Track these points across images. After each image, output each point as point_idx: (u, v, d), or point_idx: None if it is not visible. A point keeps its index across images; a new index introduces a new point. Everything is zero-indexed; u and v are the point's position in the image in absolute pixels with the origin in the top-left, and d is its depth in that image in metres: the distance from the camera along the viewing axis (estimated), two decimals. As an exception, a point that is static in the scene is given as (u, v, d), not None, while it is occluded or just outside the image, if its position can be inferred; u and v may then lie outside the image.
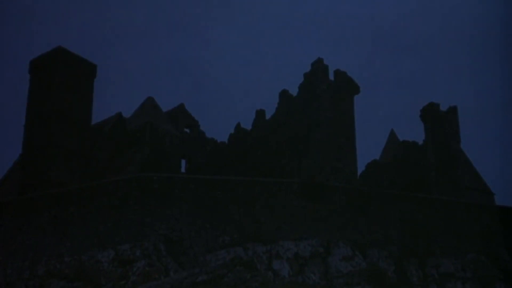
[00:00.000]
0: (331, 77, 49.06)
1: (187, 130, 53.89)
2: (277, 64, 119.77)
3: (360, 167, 49.37)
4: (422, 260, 42.02)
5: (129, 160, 48.02)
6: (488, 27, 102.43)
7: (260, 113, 51.04)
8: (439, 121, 51.16)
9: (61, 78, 47.86)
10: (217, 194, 40.40)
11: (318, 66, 48.72)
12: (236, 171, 48.39)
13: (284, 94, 50.14)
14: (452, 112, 51.87)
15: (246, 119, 52.45)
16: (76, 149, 46.93)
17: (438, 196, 46.63)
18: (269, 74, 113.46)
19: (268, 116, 50.75)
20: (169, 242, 38.94)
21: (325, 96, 47.89)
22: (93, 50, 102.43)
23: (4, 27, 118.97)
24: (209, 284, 36.50)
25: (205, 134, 52.76)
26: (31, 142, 47.01)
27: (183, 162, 50.94)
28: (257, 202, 40.62)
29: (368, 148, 56.40)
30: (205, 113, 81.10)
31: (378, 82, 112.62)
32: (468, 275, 42.12)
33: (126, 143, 48.99)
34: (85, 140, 47.65)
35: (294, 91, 49.91)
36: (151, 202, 39.69)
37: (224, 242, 39.34)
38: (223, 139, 52.12)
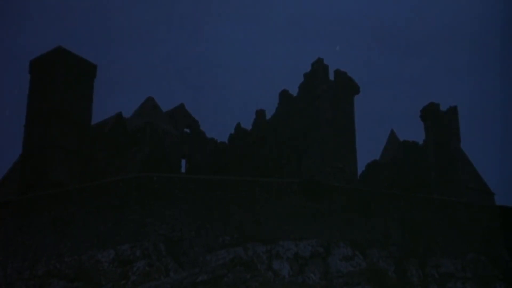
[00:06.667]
0: (331, 77, 49.11)
1: (187, 130, 53.90)
2: (277, 64, 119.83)
3: (360, 167, 49.43)
4: (422, 260, 41.99)
5: (129, 160, 48.01)
6: (488, 27, 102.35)
7: (260, 113, 51.06)
8: (439, 121, 51.18)
9: (61, 78, 47.85)
10: (217, 194, 40.39)
11: (318, 66, 48.78)
12: (236, 171, 48.38)
13: (284, 94, 50.18)
14: (452, 112, 51.88)
15: (246, 119, 52.48)
16: (76, 149, 46.91)
17: (438, 196, 46.59)
18: (269, 74, 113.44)
19: (268, 116, 50.78)
20: (169, 242, 38.93)
21: (325, 96, 47.95)
22: (93, 50, 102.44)
23: (4, 27, 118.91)
24: (209, 284, 36.54)
25: (205, 134, 52.78)
26: (31, 142, 46.97)
27: (183, 162, 50.96)
28: (257, 202, 40.59)
29: (368, 148, 56.42)
30: (205, 113, 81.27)
31: (378, 82, 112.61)
32: (468, 275, 42.11)
33: (126, 143, 48.99)
34: (85, 140, 47.64)
35: (294, 91, 49.96)
36: (151, 202, 39.68)
37: (224, 242, 39.32)
38: (223, 139, 52.18)
